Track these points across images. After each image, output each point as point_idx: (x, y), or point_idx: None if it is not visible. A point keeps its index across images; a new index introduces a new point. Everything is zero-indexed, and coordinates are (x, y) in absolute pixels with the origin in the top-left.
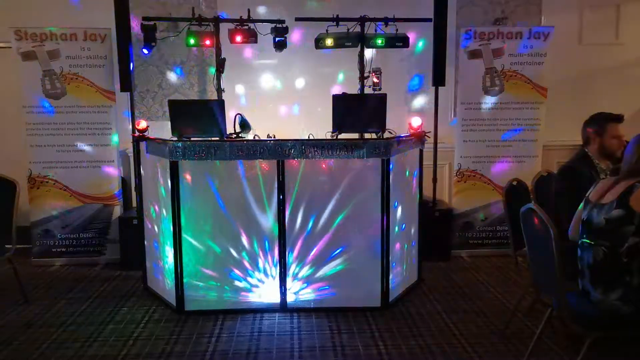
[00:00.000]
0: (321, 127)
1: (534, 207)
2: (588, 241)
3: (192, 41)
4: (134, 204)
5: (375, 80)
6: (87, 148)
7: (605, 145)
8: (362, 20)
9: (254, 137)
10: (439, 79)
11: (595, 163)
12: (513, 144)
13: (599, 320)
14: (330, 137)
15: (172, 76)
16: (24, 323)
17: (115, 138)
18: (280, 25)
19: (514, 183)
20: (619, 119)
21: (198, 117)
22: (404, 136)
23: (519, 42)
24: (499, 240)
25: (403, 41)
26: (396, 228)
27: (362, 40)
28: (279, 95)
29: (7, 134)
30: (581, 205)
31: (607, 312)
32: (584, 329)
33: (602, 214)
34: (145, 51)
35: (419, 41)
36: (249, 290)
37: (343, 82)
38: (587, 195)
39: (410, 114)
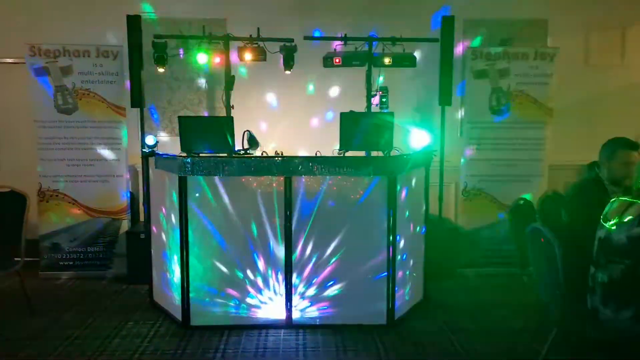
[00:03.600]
0: (328, 145)
1: (540, 226)
2: (605, 259)
3: (202, 58)
4: (142, 218)
5: (383, 98)
6: (96, 163)
7: (613, 170)
8: (369, 40)
9: (262, 154)
10: (445, 99)
11: (606, 184)
12: (519, 164)
13: (605, 342)
14: (337, 155)
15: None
16: (30, 335)
17: (124, 153)
18: (289, 44)
19: (521, 202)
20: (632, 146)
21: (207, 133)
22: (410, 154)
23: (525, 63)
24: (505, 260)
25: (410, 60)
26: (402, 246)
27: (370, 59)
28: (287, 113)
29: (18, 147)
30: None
31: (615, 331)
32: (591, 350)
33: (622, 232)
34: (162, 69)
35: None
36: (255, 306)
37: (350, 100)
38: (604, 213)
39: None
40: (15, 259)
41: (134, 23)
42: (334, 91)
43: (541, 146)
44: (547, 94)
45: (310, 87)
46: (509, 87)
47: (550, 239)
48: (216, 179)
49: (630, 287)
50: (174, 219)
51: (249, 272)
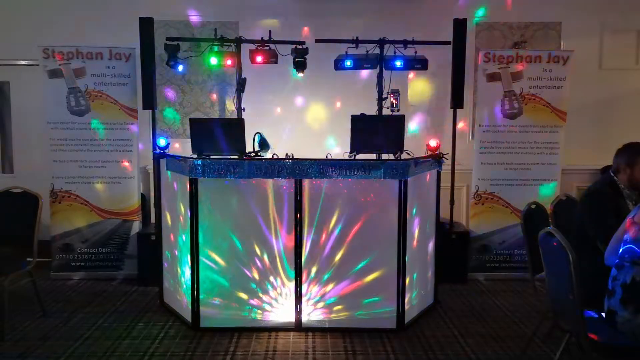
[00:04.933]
0: (339, 148)
1: (553, 231)
2: (630, 261)
3: (214, 61)
4: (153, 220)
5: (394, 101)
6: (108, 164)
7: (635, 177)
8: (381, 43)
9: (273, 156)
10: (457, 101)
11: (621, 188)
12: (532, 167)
13: (618, 347)
14: (348, 158)
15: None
16: (41, 336)
17: (136, 155)
18: (300, 47)
19: (533, 206)
20: None
21: (218, 135)
22: (421, 157)
23: (538, 66)
24: (516, 264)
25: (422, 63)
26: (413, 249)
27: (381, 62)
28: (298, 115)
29: (31, 149)
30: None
31: (631, 334)
32: (603, 356)
33: None
34: (180, 67)
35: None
36: (265, 309)
37: (361, 103)
38: (631, 217)
39: (428, 135)
40: (27, 259)
41: (146, 25)
42: (345, 94)
43: (554, 150)
44: (560, 98)
45: (322, 90)
46: (522, 91)
47: (563, 244)
48: (226, 181)
49: None
50: (185, 220)
51: (258, 275)
